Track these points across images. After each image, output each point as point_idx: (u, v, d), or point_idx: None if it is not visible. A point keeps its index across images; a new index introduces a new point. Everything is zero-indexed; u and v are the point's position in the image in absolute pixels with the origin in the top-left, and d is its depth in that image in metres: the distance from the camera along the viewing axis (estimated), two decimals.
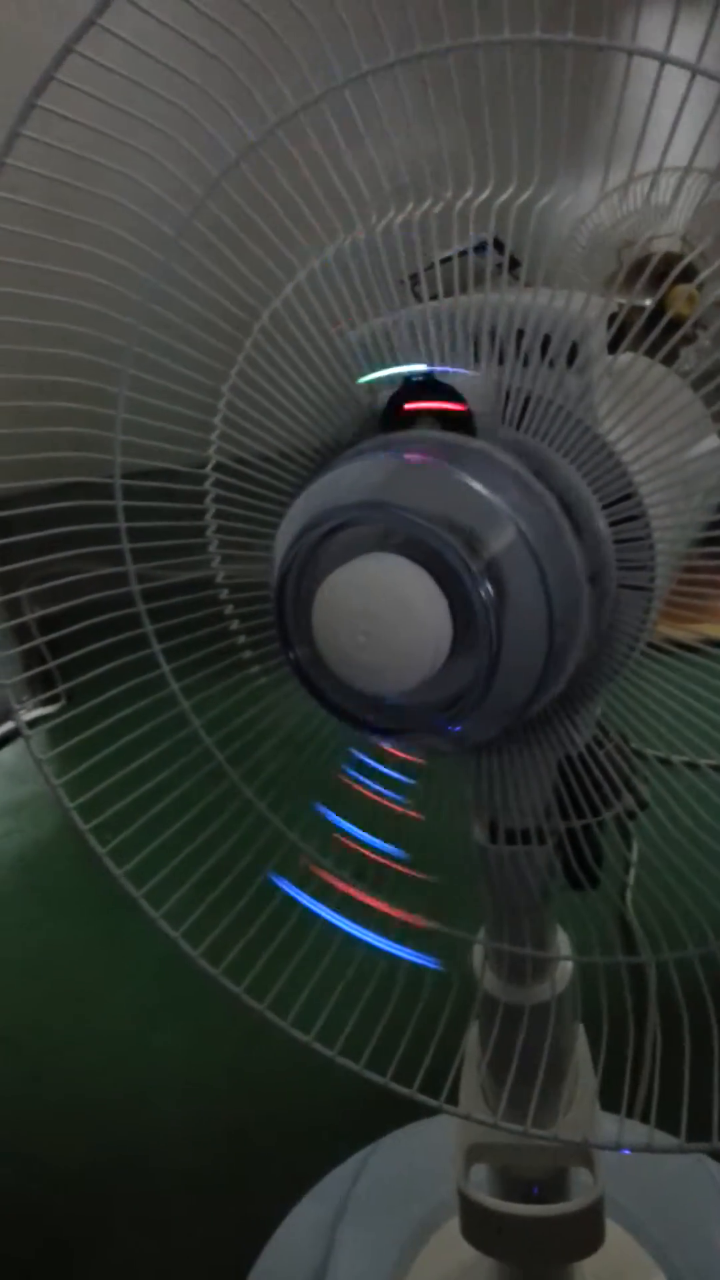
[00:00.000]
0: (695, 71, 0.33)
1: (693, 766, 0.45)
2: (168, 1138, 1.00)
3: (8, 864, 1.41)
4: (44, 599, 0.50)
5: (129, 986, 1.13)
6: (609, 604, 0.42)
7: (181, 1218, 0.93)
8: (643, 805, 0.46)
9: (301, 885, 0.53)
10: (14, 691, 0.53)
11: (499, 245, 0.41)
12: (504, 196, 0.39)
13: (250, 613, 0.50)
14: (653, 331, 0.41)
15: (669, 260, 0.43)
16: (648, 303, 0.41)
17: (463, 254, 0.41)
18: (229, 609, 0.51)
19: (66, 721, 0.54)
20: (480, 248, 0.41)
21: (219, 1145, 0.98)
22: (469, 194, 0.40)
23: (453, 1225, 0.63)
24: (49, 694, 0.58)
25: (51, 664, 0.53)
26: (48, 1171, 0.99)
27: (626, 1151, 0.51)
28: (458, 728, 0.39)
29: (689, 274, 0.43)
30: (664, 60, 0.34)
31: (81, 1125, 1.03)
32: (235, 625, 0.51)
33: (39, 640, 0.52)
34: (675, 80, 0.36)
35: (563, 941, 0.57)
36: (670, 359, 0.41)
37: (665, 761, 0.46)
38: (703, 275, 0.45)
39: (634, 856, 0.50)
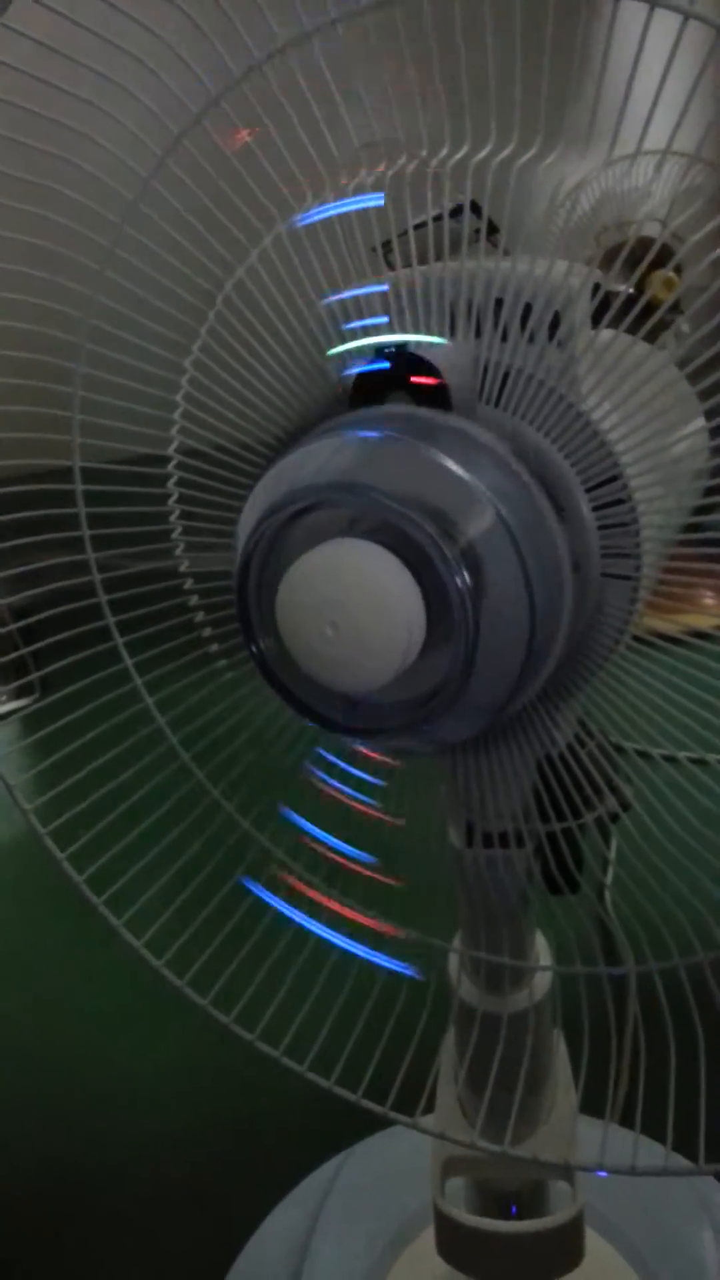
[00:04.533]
0: (687, 15, 0.31)
1: (671, 760, 0.43)
2: (139, 1140, 0.98)
3: None
4: (15, 584, 0.48)
5: (102, 986, 1.11)
6: (592, 594, 0.40)
7: (153, 1222, 0.91)
8: (625, 807, 0.44)
9: (271, 890, 0.51)
10: None
11: (476, 209, 0.38)
12: (481, 155, 0.37)
13: (216, 603, 0.48)
14: (629, 316, 0.38)
15: (645, 244, 0.41)
16: (624, 287, 0.39)
17: (438, 219, 0.39)
18: (194, 600, 0.48)
19: (38, 712, 0.52)
20: (457, 212, 0.39)
21: (192, 1147, 0.96)
22: (444, 153, 0.38)
23: (429, 1235, 0.61)
24: (22, 682, 0.56)
25: (25, 650, 0.50)
26: (16, 1170, 0.97)
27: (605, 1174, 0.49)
28: (432, 726, 0.37)
29: (666, 257, 0.41)
30: (653, 3, 0.31)
31: (51, 1125, 1.01)
32: (200, 617, 0.49)
33: (11, 626, 0.50)
34: (664, 31, 0.33)
35: (542, 947, 0.55)
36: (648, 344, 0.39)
37: (644, 755, 0.43)
38: (677, 257, 0.43)
39: (612, 854, 0.48)
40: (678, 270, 0.46)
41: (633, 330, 0.38)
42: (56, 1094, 1.04)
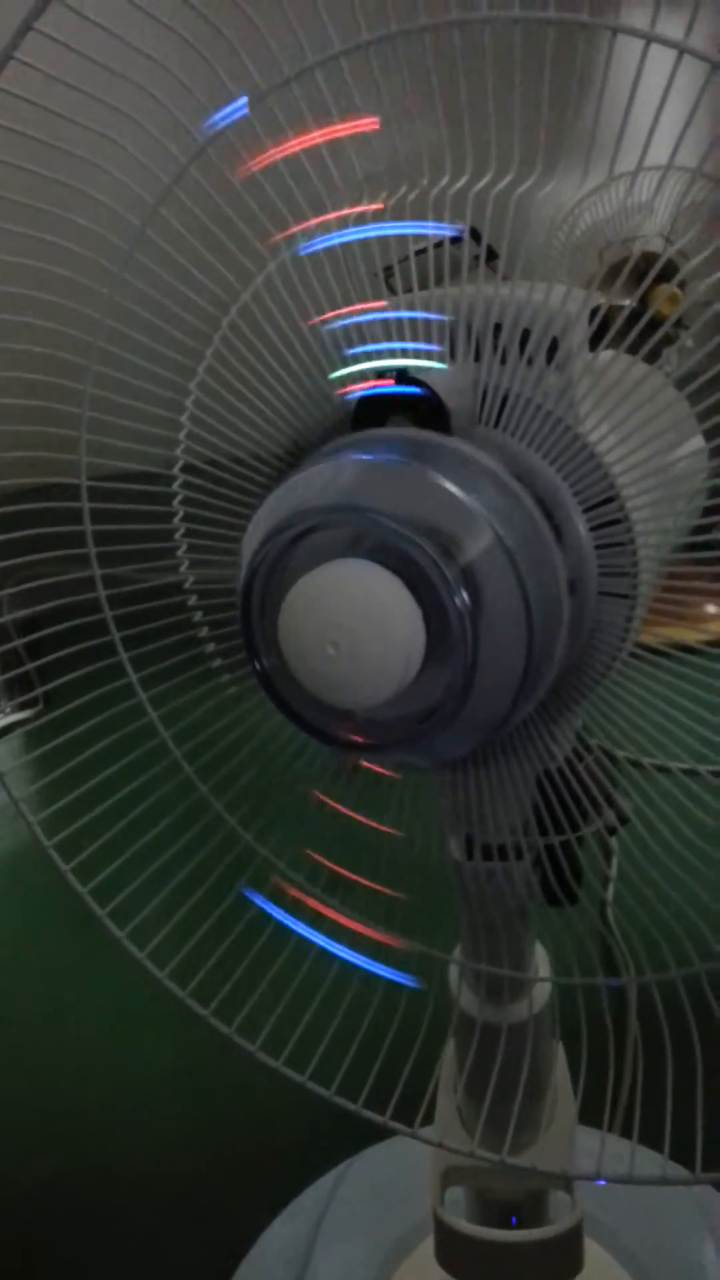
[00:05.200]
0: (682, 50, 0.32)
1: (664, 770, 0.43)
2: (140, 1149, 0.98)
3: None
4: (22, 600, 0.49)
5: (110, 993, 1.11)
6: (590, 612, 0.40)
7: (154, 1232, 0.91)
8: (624, 820, 0.45)
9: (274, 900, 0.52)
10: None
11: (476, 236, 0.39)
12: (481, 183, 0.38)
13: (220, 620, 0.48)
14: (633, 332, 0.39)
15: (649, 259, 0.42)
16: (628, 302, 0.40)
17: (439, 245, 0.40)
18: (198, 616, 0.49)
19: (42, 726, 0.53)
20: (457, 239, 0.39)
21: (193, 1156, 0.96)
22: (445, 181, 0.39)
23: (430, 1244, 0.62)
24: (26, 697, 0.56)
25: (30, 665, 0.51)
26: (20, 1180, 0.97)
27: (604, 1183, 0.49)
28: (431, 742, 0.37)
29: (670, 273, 0.42)
30: (649, 38, 0.32)
31: (55, 1134, 1.01)
32: (204, 633, 0.49)
33: (17, 642, 0.50)
34: (660, 64, 0.34)
35: (541, 958, 0.56)
36: (652, 360, 0.40)
37: (636, 764, 0.44)
38: (682, 273, 0.44)
39: (613, 872, 0.48)
40: (681, 286, 0.47)
41: (637, 345, 0.39)
42: (57, 1103, 1.04)
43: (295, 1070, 0.53)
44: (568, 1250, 0.58)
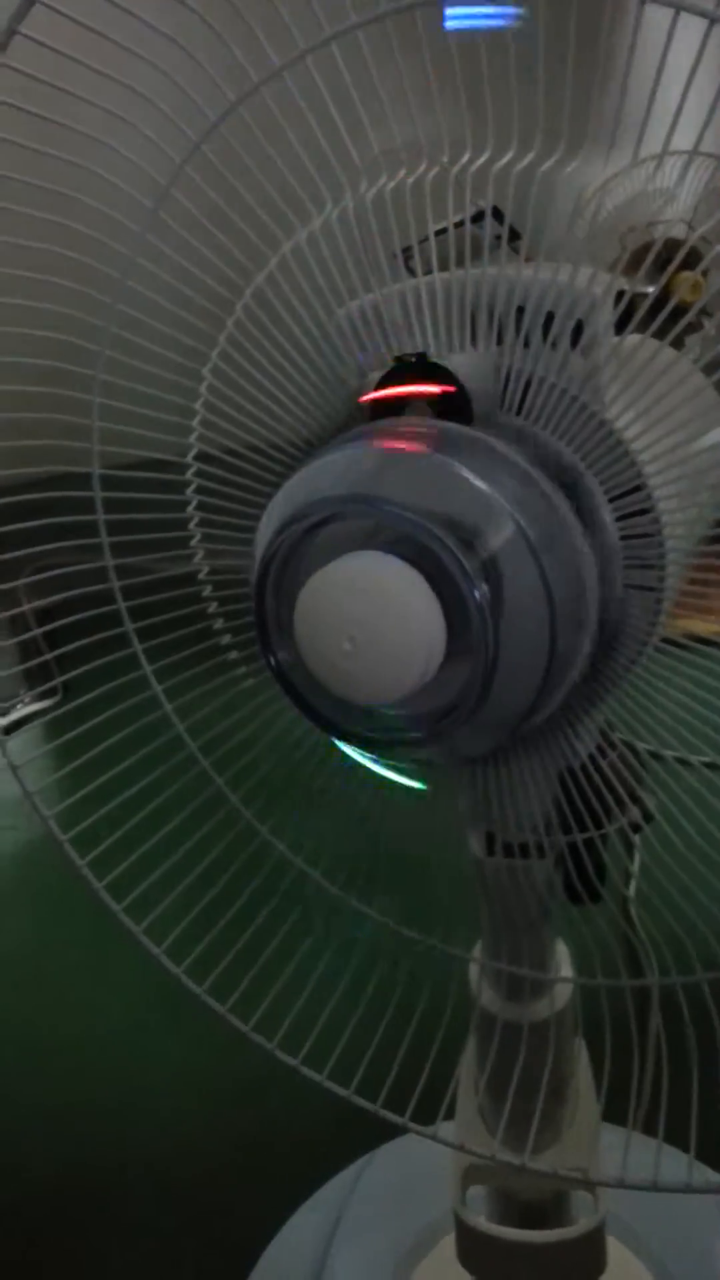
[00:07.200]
0: (713, 20, 0.30)
1: (684, 763, 0.42)
2: (157, 1145, 0.98)
3: (3, 862, 1.39)
4: (40, 590, 0.48)
5: (124, 987, 1.11)
6: (615, 606, 0.39)
7: (172, 1227, 0.90)
8: (648, 818, 0.44)
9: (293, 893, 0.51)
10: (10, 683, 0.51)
11: (498, 215, 0.38)
12: (503, 161, 0.37)
13: (236, 611, 0.48)
14: (656, 319, 0.38)
15: (672, 246, 0.41)
16: (651, 289, 0.39)
17: (459, 225, 0.38)
18: (213, 607, 0.48)
19: (61, 716, 0.52)
20: (478, 218, 0.38)
21: (210, 1152, 0.96)
22: (466, 159, 0.37)
23: (450, 1242, 0.61)
24: (46, 686, 0.56)
25: (49, 655, 0.50)
26: (33, 1177, 0.97)
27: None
28: (451, 740, 0.36)
29: (693, 260, 0.40)
30: (679, 7, 0.31)
31: (70, 1129, 1.01)
32: (220, 624, 0.48)
33: (36, 631, 0.50)
34: (689, 39, 0.33)
35: (563, 955, 0.55)
36: (675, 348, 0.39)
37: (657, 756, 0.43)
38: (706, 260, 0.43)
39: (634, 865, 0.47)
40: (705, 273, 0.45)
41: (660, 334, 0.38)
42: (73, 1100, 1.04)
43: (313, 1068, 0.52)
44: (590, 1250, 0.57)
